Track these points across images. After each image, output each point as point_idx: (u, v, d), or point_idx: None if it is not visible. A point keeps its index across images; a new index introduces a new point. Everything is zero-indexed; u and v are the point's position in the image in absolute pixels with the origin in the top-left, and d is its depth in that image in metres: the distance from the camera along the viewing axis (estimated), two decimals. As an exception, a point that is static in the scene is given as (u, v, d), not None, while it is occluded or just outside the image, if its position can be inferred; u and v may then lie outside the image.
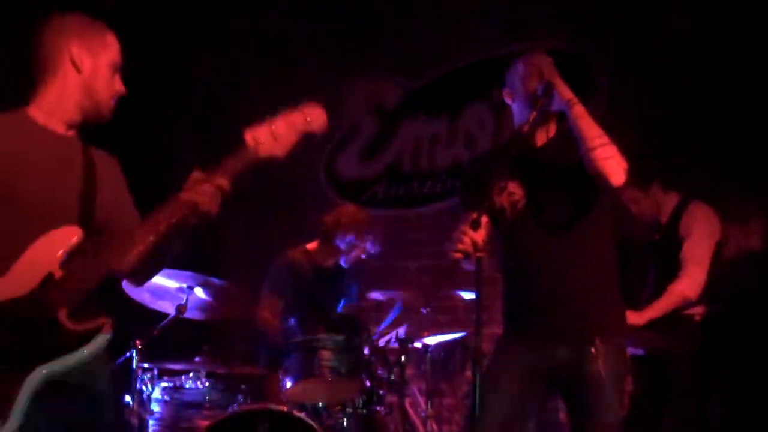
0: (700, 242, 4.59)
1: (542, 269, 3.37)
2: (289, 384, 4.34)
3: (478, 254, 3.13)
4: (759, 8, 5.47)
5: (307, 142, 6.63)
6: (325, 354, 4.28)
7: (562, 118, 3.41)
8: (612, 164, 3.24)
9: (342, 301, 5.22)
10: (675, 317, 4.55)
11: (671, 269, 4.60)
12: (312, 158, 6.61)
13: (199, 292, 4.49)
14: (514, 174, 3.40)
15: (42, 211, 2.73)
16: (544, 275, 3.37)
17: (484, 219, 3.23)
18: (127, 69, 2.97)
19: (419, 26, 6.47)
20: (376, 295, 5.20)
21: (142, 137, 6.02)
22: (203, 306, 4.59)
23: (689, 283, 4.52)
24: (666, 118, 5.71)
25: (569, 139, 3.35)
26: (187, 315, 4.50)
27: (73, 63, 2.83)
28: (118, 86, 2.93)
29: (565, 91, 3.35)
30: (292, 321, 4.61)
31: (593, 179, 3.28)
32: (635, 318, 4.52)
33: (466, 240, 3.11)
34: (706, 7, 5.65)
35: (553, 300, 3.35)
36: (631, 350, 4.45)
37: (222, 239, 6.51)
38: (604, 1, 5.98)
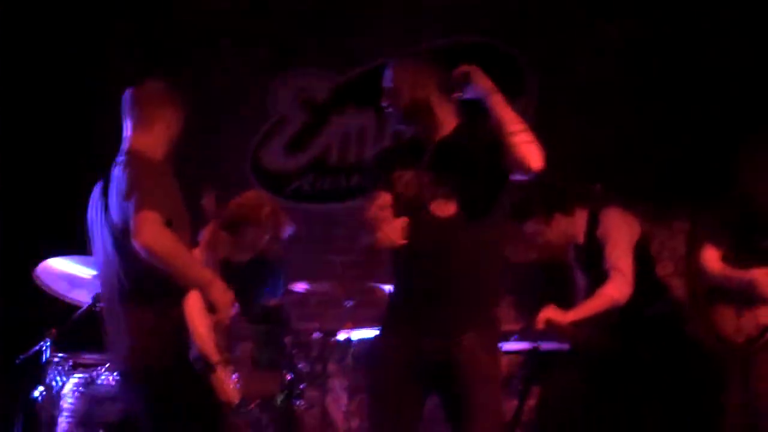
0: (617, 246, 4.59)
1: (423, 260, 3.35)
2: (207, 376, 4.22)
3: (401, 242, 3.15)
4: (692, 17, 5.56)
5: (232, 134, 6.57)
6: (246, 345, 4.20)
7: (464, 111, 3.47)
8: (532, 149, 3.28)
9: (265, 293, 5.10)
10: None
11: (600, 277, 4.60)
12: (238, 150, 6.51)
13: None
14: (413, 165, 3.43)
15: None
16: (424, 266, 3.35)
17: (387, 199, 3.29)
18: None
19: (350, 22, 6.42)
20: (299, 288, 5.11)
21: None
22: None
23: (616, 286, 4.52)
24: (591, 123, 5.75)
25: (468, 133, 3.42)
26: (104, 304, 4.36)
27: (168, 125, 3.59)
28: None
29: (484, 81, 3.38)
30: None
31: (502, 169, 3.33)
32: (558, 316, 4.51)
33: (387, 228, 3.16)
34: (637, 13, 5.71)
35: (428, 291, 3.33)
36: (557, 345, 4.49)
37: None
38: (542, 7, 5.99)
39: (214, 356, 3.26)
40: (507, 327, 5.15)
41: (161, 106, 3.60)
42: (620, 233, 4.63)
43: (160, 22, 6.62)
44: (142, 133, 3.56)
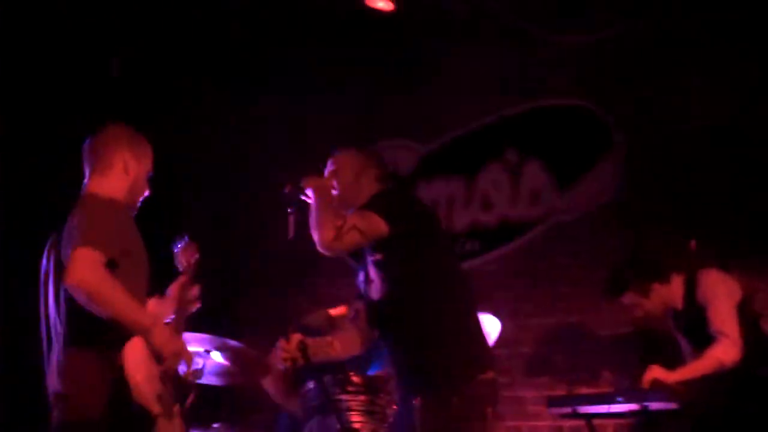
0: (720, 309, 4.50)
1: (384, 337, 3.88)
2: (310, 450, 4.21)
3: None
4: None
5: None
6: (348, 417, 4.16)
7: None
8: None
9: (370, 363, 5.05)
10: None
11: (704, 341, 4.51)
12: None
13: (216, 356, 4.38)
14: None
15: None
16: (386, 341, 3.89)
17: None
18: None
19: (431, 90, 6.45)
20: None
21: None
22: (220, 371, 4.46)
23: (724, 349, 4.42)
24: (684, 179, 5.64)
25: None
26: (204, 380, 4.37)
27: (125, 168, 3.47)
28: (147, 189, 3.59)
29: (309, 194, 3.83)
30: (310, 385, 4.47)
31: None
32: (664, 375, 4.42)
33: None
34: (723, 70, 5.61)
35: (393, 361, 3.88)
36: (662, 405, 4.37)
37: (239, 302, 6.43)
38: (624, 63, 5.93)
39: (154, 408, 3.11)
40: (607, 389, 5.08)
41: (118, 150, 3.49)
42: (721, 296, 4.53)
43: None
44: (98, 177, 3.47)
